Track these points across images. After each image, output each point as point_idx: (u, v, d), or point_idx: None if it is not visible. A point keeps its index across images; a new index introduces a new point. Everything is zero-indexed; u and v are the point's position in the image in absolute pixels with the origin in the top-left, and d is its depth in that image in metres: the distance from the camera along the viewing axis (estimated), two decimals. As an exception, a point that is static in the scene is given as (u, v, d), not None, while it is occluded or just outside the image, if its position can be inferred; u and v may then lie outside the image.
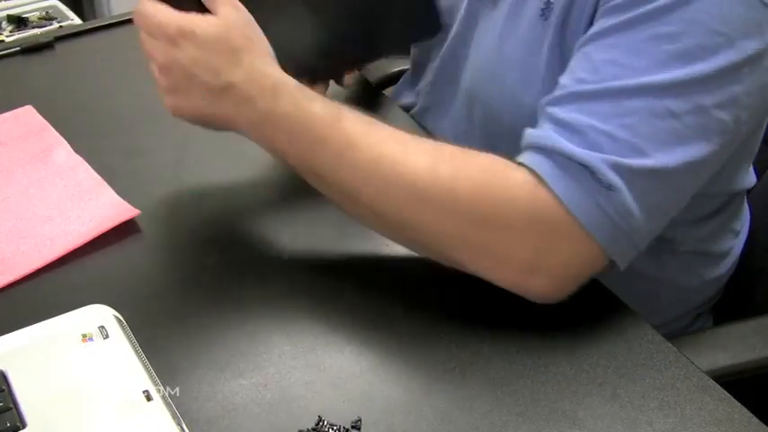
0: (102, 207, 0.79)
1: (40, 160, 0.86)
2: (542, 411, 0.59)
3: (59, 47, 1.11)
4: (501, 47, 0.80)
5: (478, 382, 0.61)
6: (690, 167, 0.64)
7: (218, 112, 0.70)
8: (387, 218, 0.67)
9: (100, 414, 0.56)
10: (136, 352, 0.61)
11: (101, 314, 0.63)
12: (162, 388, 0.58)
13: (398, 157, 0.65)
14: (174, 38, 0.68)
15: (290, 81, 0.69)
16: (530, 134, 0.66)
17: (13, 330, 0.62)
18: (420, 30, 0.89)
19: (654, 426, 0.58)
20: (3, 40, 1.64)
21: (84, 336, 0.61)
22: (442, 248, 0.67)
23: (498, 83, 0.81)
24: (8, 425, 0.55)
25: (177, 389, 0.60)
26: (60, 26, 1.74)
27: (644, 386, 0.61)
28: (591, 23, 0.70)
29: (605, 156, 0.61)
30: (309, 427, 0.58)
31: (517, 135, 0.67)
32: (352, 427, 0.58)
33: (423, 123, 0.94)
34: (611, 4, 0.66)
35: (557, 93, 0.67)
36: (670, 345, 0.64)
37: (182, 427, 0.56)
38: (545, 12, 0.75)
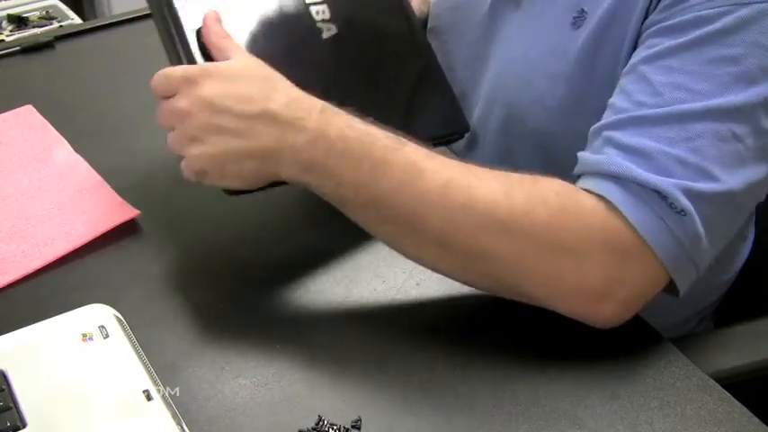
0: (102, 207, 0.79)
1: (40, 160, 0.86)
2: (542, 411, 0.59)
3: (59, 46, 1.11)
4: (527, 52, 0.79)
5: (478, 382, 0.61)
6: (751, 189, 0.64)
7: (255, 145, 0.62)
8: (456, 248, 0.63)
9: (100, 414, 0.56)
10: (136, 352, 0.61)
11: (101, 314, 0.64)
12: (162, 388, 0.58)
13: (471, 182, 0.62)
14: (196, 78, 0.63)
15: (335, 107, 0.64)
16: (590, 160, 0.64)
17: (13, 330, 0.62)
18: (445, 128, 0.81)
19: (654, 426, 0.58)
20: (3, 40, 1.64)
21: (84, 335, 0.61)
22: (511, 278, 0.63)
23: (524, 86, 0.80)
24: (8, 424, 0.55)
25: (177, 389, 0.60)
26: (60, 26, 1.73)
27: (644, 386, 0.61)
28: (635, 40, 0.69)
29: (676, 180, 0.60)
30: (309, 427, 0.58)
31: (538, 135, 0.65)
32: (352, 426, 0.58)
33: None
34: (666, 24, 0.65)
35: (615, 117, 0.65)
36: (670, 345, 0.64)
37: (182, 427, 0.56)
38: (577, 20, 0.75)
